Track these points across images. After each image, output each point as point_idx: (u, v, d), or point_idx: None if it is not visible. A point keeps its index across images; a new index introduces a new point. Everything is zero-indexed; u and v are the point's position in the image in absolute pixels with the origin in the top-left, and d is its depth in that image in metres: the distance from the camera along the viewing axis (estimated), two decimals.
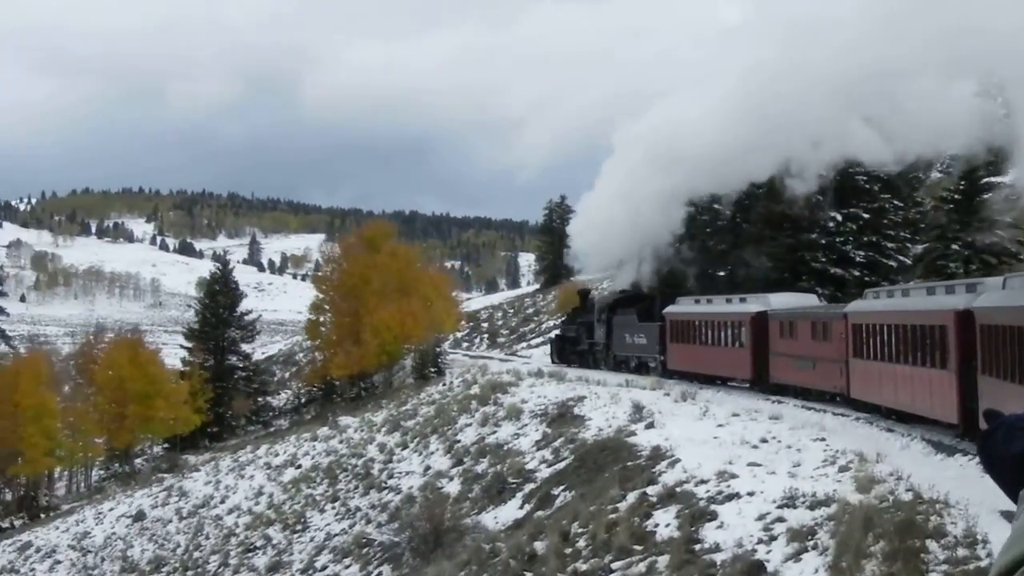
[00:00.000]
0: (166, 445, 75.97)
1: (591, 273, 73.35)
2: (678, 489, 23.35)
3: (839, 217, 55.92)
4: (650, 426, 31.42)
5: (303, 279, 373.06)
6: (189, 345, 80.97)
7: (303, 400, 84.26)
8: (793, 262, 55.38)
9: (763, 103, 53.48)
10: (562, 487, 28.58)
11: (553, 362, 62.23)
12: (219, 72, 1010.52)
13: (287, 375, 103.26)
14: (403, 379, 70.40)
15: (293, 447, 52.43)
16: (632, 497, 24.01)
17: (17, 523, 61.86)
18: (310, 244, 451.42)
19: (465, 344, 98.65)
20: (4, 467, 64.89)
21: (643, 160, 61.16)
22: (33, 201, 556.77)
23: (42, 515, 60.99)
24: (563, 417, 36.80)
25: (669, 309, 50.18)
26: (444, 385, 55.42)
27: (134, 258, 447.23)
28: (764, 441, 27.67)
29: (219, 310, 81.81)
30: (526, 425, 37.86)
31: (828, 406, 34.58)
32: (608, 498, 24.45)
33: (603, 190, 66.88)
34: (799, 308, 40.70)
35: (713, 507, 21.28)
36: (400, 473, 39.31)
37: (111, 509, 52.53)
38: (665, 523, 21.56)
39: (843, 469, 22.80)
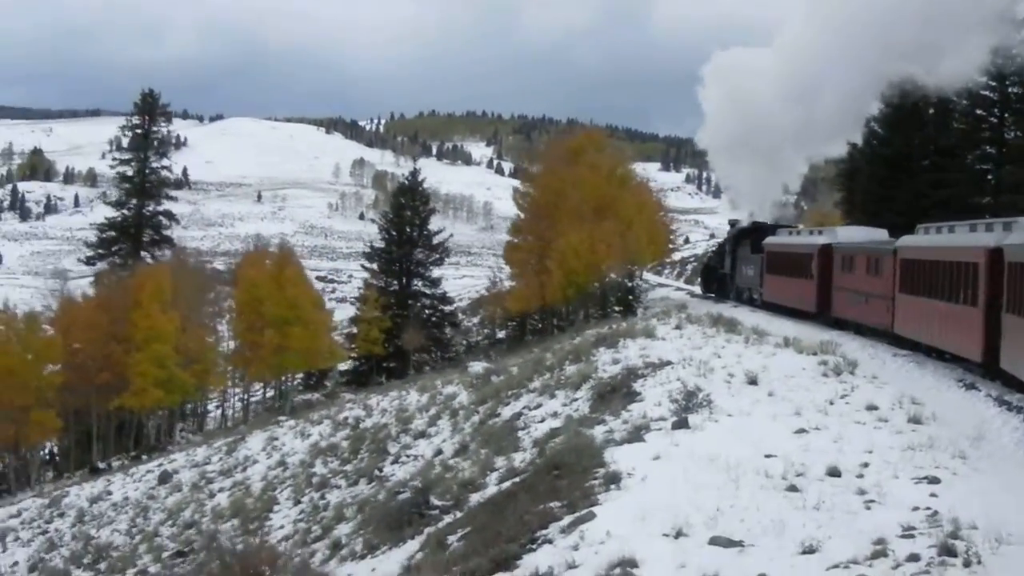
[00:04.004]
0: (341, 379, 67.27)
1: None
2: None
3: None
4: (680, 425, 18.88)
5: None
6: (371, 266, 71.40)
7: (497, 335, 73.39)
8: None
9: None
10: (466, 530, 16.58)
11: (703, 292, 60.90)
12: None
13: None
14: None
15: (392, 397, 41.71)
16: None
17: (115, 464, 53.68)
18: (646, 174, 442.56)
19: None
20: (109, 398, 56.67)
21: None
22: (382, 122, 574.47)
23: (143, 456, 52.59)
24: (615, 392, 24.41)
25: (768, 240, 48.37)
26: (607, 327, 43.45)
27: (470, 180, 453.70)
28: (834, 474, 15.02)
29: (405, 227, 71.37)
30: (575, 400, 25.74)
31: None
32: None
33: None
34: (859, 242, 38.72)
35: None
36: (409, 457, 27.90)
37: (172, 461, 43.23)
38: None
39: None
